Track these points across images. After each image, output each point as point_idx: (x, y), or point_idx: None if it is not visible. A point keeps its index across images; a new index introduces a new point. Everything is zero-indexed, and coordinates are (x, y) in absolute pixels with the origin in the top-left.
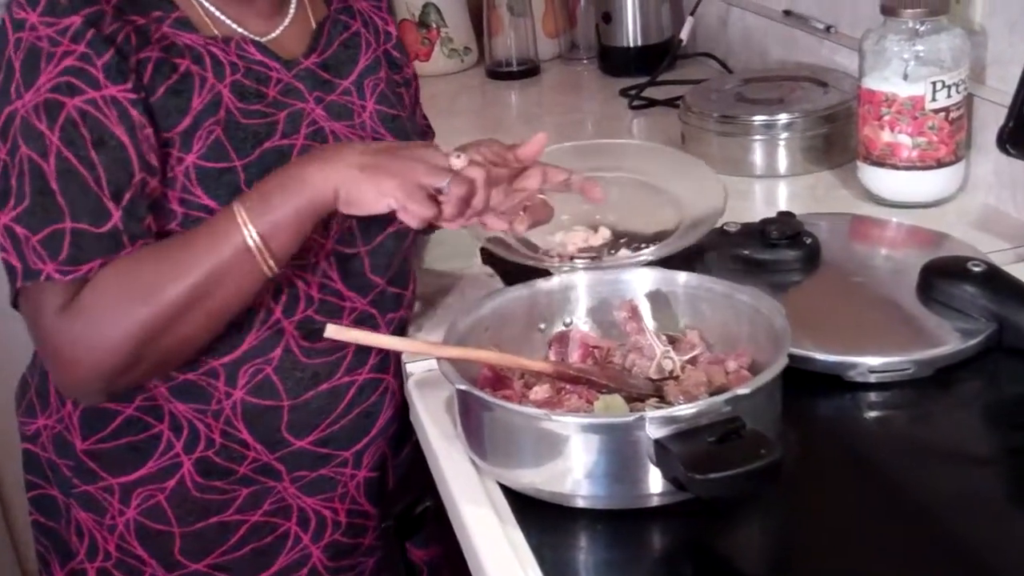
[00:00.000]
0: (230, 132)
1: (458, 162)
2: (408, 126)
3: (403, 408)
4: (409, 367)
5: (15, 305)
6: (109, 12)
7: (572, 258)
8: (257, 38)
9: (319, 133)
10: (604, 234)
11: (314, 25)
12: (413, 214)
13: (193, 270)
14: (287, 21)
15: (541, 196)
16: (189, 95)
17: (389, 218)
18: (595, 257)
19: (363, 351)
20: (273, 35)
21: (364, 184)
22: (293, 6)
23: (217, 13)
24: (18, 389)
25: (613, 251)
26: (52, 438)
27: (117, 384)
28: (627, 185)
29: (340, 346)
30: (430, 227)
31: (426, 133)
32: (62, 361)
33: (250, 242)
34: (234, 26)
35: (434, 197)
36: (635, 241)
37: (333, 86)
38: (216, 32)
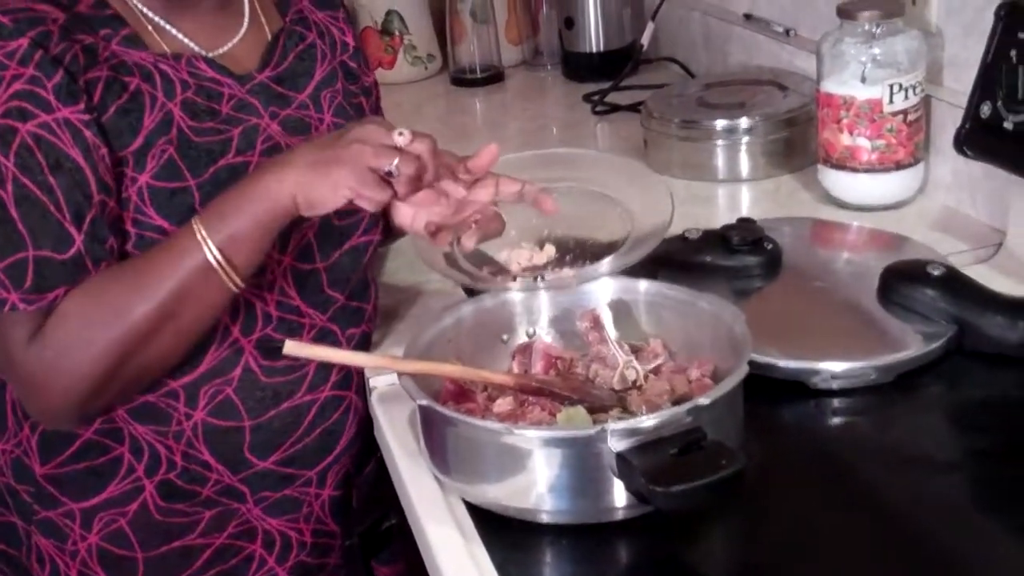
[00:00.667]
0: (182, 151)
1: (402, 139)
2: None
3: (366, 424)
4: (372, 382)
5: None
6: (56, 32)
7: (515, 278)
8: (208, 53)
9: (275, 149)
10: (549, 251)
11: (268, 38)
12: (369, 200)
13: (157, 291)
14: (239, 36)
15: (493, 208)
16: (140, 114)
17: (347, 232)
18: (538, 276)
19: (325, 368)
20: (224, 49)
21: (317, 182)
22: (246, 20)
23: (167, 27)
24: None
25: (556, 269)
26: (10, 463)
27: (91, 408)
28: (581, 196)
29: (301, 364)
30: (388, 237)
31: None
32: (34, 389)
33: (211, 258)
34: (185, 41)
35: (386, 179)
36: (581, 257)
37: (289, 100)
38: (166, 49)
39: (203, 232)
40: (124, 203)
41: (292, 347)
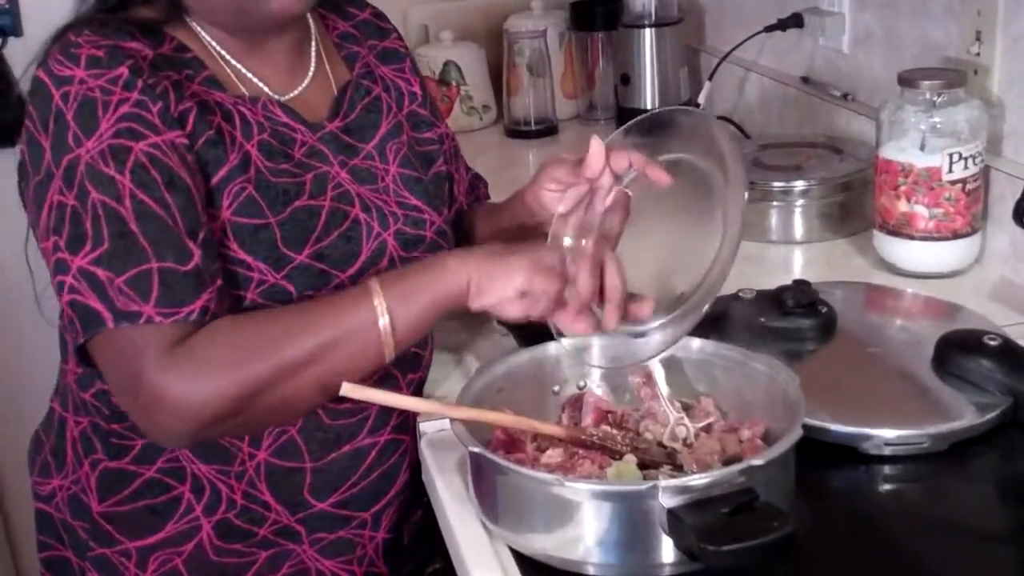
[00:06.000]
0: (261, 189)
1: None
2: (431, 187)
3: (418, 468)
4: (422, 427)
5: (81, 348)
6: (145, 68)
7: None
8: (279, 96)
9: (345, 196)
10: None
11: (335, 89)
12: (540, 290)
13: (317, 332)
14: (307, 80)
15: (617, 189)
16: (225, 148)
17: None
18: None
19: (385, 412)
20: (294, 93)
21: (495, 269)
22: (312, 65)
23: (243, 70)
24: (31, 447)
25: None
26: (67, 499)
27: (209, 431)
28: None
29: (363, 407)
30: None
31: (476, 185)
32: (163, 402)
33: (381, 320)
34: (259, 84)
35: (560, 272)
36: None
37: (356, 150)
38: (244, 91)
39: (381, 295)
40: None
41: (349, 389)
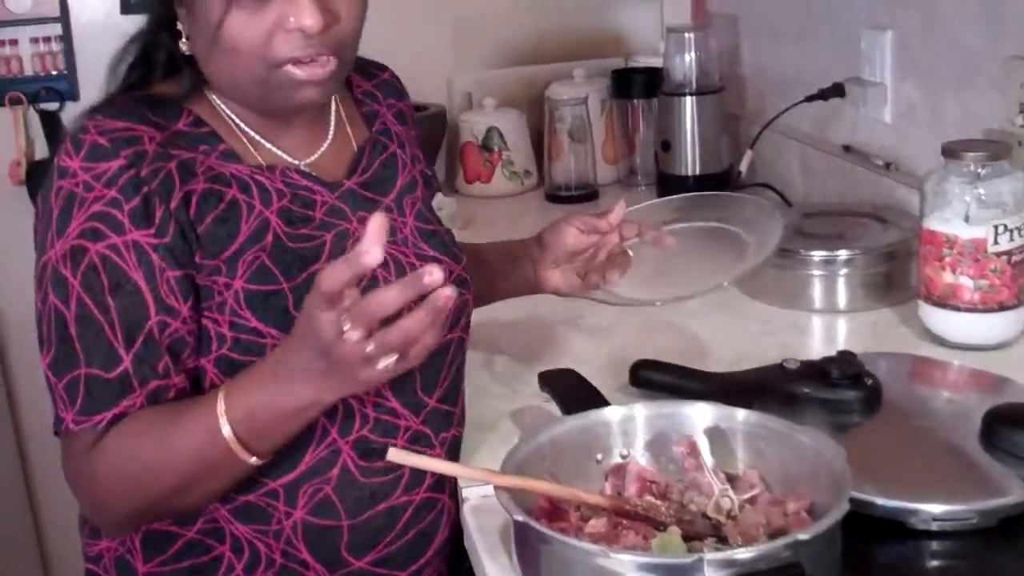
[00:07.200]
0: (276, 256)
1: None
2: (448, 239)
3: (459, 528)
4: (464, 492)
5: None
6: (151, 151)
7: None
8: (299, 162)
9: None
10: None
11: (355, 147)
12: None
13: (185, 460)
14: (326, 143)
15: (621, 247)
16: (237, 222)
17: None
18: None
19: (419, 470)
20: (314, 157)
21: (350, 387)
22: (332, 130)
23: (261, 140)
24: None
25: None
26: (114, 561)
27: (132, 528)
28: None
29: (397, 465)
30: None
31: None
32: (82, 500)
33: (226, 434)
34: (278, 152)
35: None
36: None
37: (376, 204)
38: (261, 160)
39: (223, 405)
40: (220, 307)
41: (394, 455)
